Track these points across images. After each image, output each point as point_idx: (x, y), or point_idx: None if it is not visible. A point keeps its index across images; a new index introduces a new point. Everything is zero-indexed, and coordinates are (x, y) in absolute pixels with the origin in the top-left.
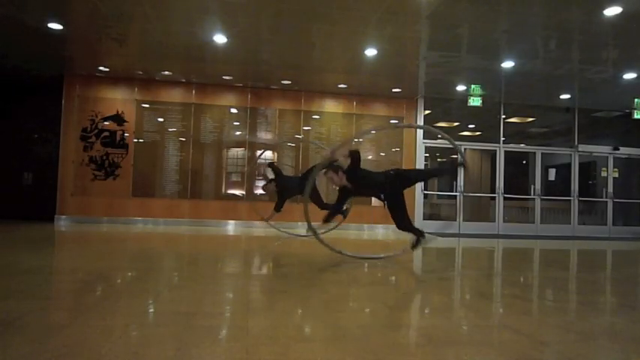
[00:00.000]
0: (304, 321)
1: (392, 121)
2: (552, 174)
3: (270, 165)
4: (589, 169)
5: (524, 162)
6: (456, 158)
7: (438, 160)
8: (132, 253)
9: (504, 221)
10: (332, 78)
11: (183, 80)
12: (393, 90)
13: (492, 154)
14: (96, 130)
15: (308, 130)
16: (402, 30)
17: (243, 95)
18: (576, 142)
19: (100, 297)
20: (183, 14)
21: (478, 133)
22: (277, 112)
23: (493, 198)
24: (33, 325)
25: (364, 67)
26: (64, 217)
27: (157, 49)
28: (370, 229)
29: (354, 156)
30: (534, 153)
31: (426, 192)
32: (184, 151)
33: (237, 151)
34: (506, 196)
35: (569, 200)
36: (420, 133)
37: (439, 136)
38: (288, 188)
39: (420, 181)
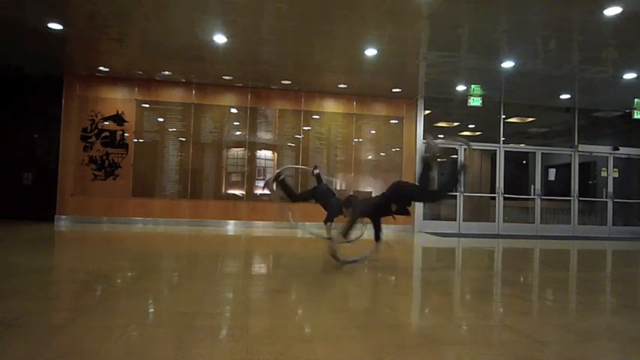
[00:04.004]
0: (304, 321)
1: (391, 121)
2: (552, 174)
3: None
4: (589, 169)
5: (524, 162)
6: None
7: (438, 160)
8: (132, 253)
9: (504, 221)
10: (332, 78)
11: (183, 80)
12: (393, 90)
13: (492, 154)
14: (96, 130)
15: (308, 130)
16: (402, 30)
17: (243, 95)
18: (576, 142)
19: (99, 297)
20: (183, 14)
21: (478, 133)
22: (277, 112)
23: (493, 198)
24: (33, 325)
25: (364, 67)
26: (63, 217)
27: (157, 49)
28: (370, 229)
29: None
30: (534, 153)
31: None
32: (184, 151)
33: (237, 151)
34: (506, 196)
35: (569, 200)
36: (420, 132)
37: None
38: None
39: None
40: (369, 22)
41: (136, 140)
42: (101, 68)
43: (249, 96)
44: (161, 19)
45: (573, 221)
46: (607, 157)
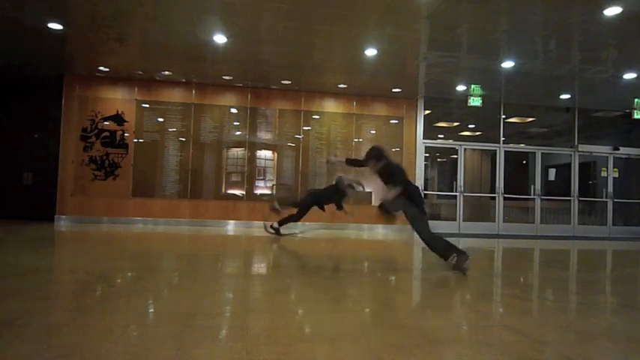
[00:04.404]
0: (304, 321)
1: (391, 121)
2: (552, 174)
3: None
4: (589, 169)
5: (524, 162)
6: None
7: (438, 160)
8: (132, 253)
9: (504, 221)
10: (332, 78)
11: (183, 80)
12: (393, 90)
13: (492, 154)
14: (96, 130)
15: (308, 130)
16: (402, 30)
17: (243, 95)
18: (576, 142)
19: (100, 297)
20: (183, 14)
21: (478, 133)
22: (277, 112)
23: (493, 198)
24: (33, 325)
25: (364, 67)
26: (63, 217)
27: (157, 49)
28: (370, 229)
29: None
30: (534, 153)
31: (426, 192)
32: (184, 151)
33: (237, 151)
34: (506, 196)
35: (569, 200)
36: (420, 132)
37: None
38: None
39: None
40: (369, 22)
41: (136, 140)
42: (101, 68)
43: (249, 96)
44: (161, 19)
45: (573, 221)
46: (607, 157)
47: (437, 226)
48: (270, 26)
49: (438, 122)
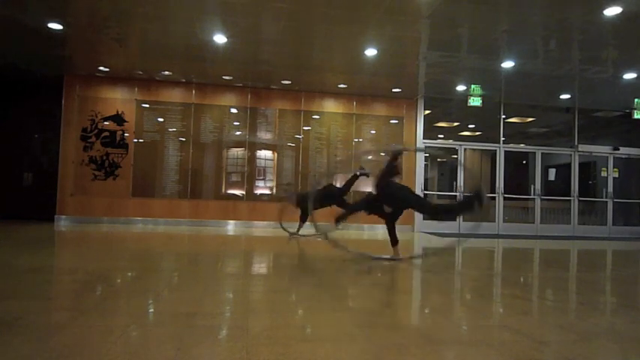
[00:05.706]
0: (304, 321)
1: (391, 121)
2: (552, 174)
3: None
4: (589, 169)
5: (524, 162)
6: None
7: (438, 160)
8: (132, 253)
9: (504, 221)
10: (332, 78)
11: (183, 80)
12: (393, 90)
13: (492, 154)
14: (96, 130)
15: (308, 130)
16: (402, 30)
17: (243, 95)
18: (576, 142)
19: (100, 297)
20: (183, 14)
21: (478, 133)
22: (277, 112)
23: (493, 198)
24: (33, 325)
25: (364, 67)
26: (63, 217)
27: (157, 49)
28: (370, 229)
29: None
30: (534, 153)
31: (425, 192)
32: (184, 151)
33: (237, 151)
34: (506, 196)
35: (569, 200)
36: (420, 132)
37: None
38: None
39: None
40: (369, 22)
41: (136, 140)
42: (101, 68)
43: (249, 96)
44: (161, 19)
45: (573, 221)
46: (607, 157)
47: (437, 227)
48: (270, 26)
49: (437, 122)
